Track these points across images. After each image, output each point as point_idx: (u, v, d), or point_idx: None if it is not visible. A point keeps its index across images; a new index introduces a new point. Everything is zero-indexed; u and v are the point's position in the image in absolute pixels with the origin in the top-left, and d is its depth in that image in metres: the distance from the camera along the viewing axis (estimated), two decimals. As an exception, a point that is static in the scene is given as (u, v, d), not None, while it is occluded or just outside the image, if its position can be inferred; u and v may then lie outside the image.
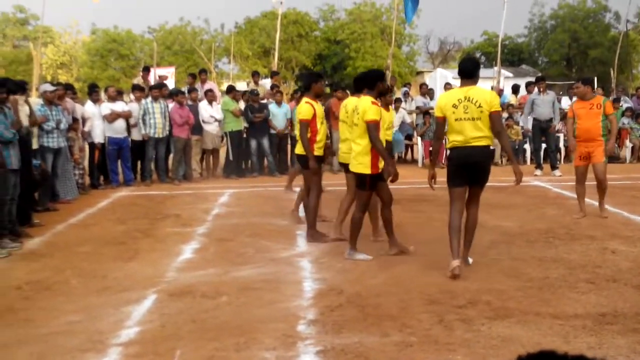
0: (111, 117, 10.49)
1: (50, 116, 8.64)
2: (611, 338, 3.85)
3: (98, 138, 10.54)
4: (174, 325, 4.19)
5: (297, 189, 8.08)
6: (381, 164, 5.71)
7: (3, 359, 3.78)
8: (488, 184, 5.40)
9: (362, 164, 5.67)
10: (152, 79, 14.03)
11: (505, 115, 12.83)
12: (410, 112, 14.06)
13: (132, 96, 11.76)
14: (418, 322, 4.16)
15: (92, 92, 10.98)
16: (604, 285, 4.91)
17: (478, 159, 5.15)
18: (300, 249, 6.35)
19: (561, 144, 13.64)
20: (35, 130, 8.34)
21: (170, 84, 16.70)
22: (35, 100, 9.16)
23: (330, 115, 10.73)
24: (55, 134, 8.71)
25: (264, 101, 12.38)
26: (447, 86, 14.04)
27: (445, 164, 12.55)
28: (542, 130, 11.84)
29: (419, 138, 13.48)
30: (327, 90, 20.32)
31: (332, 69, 37.66)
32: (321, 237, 6.54)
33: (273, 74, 14.88)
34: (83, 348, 3.86)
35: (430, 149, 11.87)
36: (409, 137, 14.07)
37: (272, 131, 12.09)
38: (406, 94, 15.13)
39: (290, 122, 12.02)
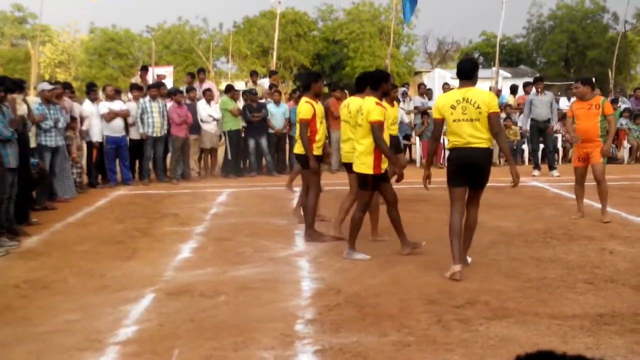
0: (109, 116, 10.47)
1: (48, 115, 8.63)
2: (609, 338, 3.86)
3: (96, 137, 10.52)
4: (172, 325, 4.19)
5: (297, 189, 8.07)
6: (384, 165, 5.70)
7: (1, 357, 3.77)
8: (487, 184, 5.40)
9: (364, 164, 5.67)
10: (150, 78, 14.01)
11: (503, 115, 12.83)
12: (408, 112, 14.07)
13: (130, 95, 11.74)
14: (416, 322, 4.16)
15: (90, 91, 10.96)
16: (602, 285, 4.91)
17: (477, 160, 5.14)
18: (298, 248, 6.35)
19: (559, 145, 13.66)
20: (33, 128, 8.33)
21: (169, 83, 16.68)
22: (33, 99, 9.15)
23: (329, 115, 10.72)
24: (53, 132, 8.70)
25: (262, 101, 12.38)
26: (446, 86, 14.06)
27: (444, 165, 12.67)
28: (540, 130, 11.84)
29: (417, 138, 13.49)
30: (326, 90, 20.30)
31: (331, 68, 37.67)
32: (319, 236, 6.53)
33: (271, 74, 14.87)
34: (81, 347, 3.85)
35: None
36: (407, 137, 14.07)
37: (271, 131, 12.09)
38: (404, 94, 15.13)
39: (289, 122, 12.03)
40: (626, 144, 14.03)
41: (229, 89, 12.24)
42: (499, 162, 13.07)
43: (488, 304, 4.48)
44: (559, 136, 13.54)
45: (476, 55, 41.06)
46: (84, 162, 10.46)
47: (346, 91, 13.03)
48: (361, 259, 5.75)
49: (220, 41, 37.27)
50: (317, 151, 6.57)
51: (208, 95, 11.74)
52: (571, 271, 5.32)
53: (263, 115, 11.93)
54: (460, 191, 5.25)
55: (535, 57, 42.41)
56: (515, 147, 13.36)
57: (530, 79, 14.65)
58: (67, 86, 10.63)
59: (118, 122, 10.62)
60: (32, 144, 8.30)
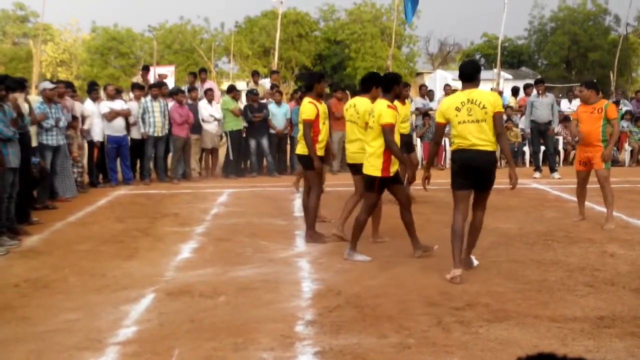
0: (110, 116, 10.48)
1: (50, 114, 8.63)
2: (609, 341, 3.85)
3: (97, 136, 10.53)
4: (172, 325, 4.19)
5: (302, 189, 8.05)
6: (393, 168, 5.69)
7: (1, 356, 3.77)
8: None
9: (373, 166, 5.66)
10: (151, 78, 14.02)
11: (504, 117, 12.81)
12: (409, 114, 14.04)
13: (131, 95, 11.75)
14: (416, 323, 4.16)
15: (92, 90, 10.97)
16: (603, 288, 4.91)
17: (481, 163, 5.12)
18: (299, 249, 6.35)
19: (560, 147, 13.66)
20: (34, 127, 8.33)
21: (170, 82, 16.67)
22: (35, 98, 9.15)
23: (330, 116, 10.70)
24: (54, 131, 8.70)
25: (264, 101, 12.37)
26: (447, 87, 14.04)
27: (444, 167, 12.66)
28: (541, 132, 11.84)
29: (419, 139, 13.48)
30: (327, 90, 20.30)
31: (332, 69, 37.64)
32: (320, 237, 6.53)
33: (273, 74, 14.88)
34: (81, 346, 3.85)
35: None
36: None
37: (272, 131, 12.09)
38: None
39: (290, 122, 12.02)
40: (627, 147, 14.01)
41: (231, 89, 12.25)
42: (500, 163, 13.06)
43: (488, 306, 4.48)
44: (560, 138, 13.53)
45: (478, 56, 41.00)
46: (85, 161, 10.46)
47: (347, 92, 13.03)
48: (362, 260, 5.74)
49: (222, 41, 37.23)
50: (319, 151, 6.56)
51: (209, 95, 11.75)
52: (571, 274, 5.32)
53: (264, 115, 11.93)
54: (463, 194, 5.23)
55: (536, 58, 42.36)
56: (516, 149, 13.37)
57: (532, 81, 14.63)
58: (68, 85, 10.62)
59: (119, 122, 10.62)
60: (34, 143, 8.31)
